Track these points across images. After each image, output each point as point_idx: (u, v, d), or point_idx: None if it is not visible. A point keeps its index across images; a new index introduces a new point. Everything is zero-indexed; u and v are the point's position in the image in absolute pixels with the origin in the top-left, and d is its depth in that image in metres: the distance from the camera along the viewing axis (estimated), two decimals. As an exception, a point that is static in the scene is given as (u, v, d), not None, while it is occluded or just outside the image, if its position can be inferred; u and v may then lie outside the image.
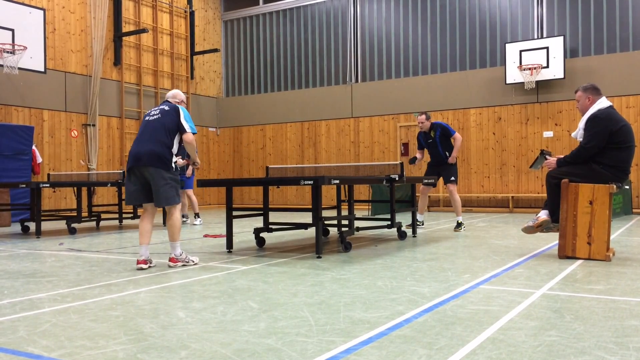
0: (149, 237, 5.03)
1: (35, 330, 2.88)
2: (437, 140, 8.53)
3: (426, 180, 8.04)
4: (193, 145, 5.13)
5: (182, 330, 2.84)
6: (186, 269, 4.88)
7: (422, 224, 8.95)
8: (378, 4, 15.01)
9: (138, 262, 4.93)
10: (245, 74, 17.23)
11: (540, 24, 13.11)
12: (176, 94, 5.36)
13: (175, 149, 5.02)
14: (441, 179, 8.70)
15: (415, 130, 14.28)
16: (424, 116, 8.66)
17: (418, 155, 8.85)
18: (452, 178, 8.50)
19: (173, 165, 4.98)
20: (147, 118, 5.11)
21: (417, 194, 8.45)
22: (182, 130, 5.02)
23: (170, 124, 4.99)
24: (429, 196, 13.87)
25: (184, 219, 10.60)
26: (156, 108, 5.18)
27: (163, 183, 4.90)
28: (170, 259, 4.97)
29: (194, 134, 5.11)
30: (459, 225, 8.32)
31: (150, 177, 4.91)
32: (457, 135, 8.57)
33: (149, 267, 4.98)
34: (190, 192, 10.43)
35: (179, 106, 5.15)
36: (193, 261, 5.07)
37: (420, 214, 8.84)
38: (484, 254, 5.61)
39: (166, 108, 5.09)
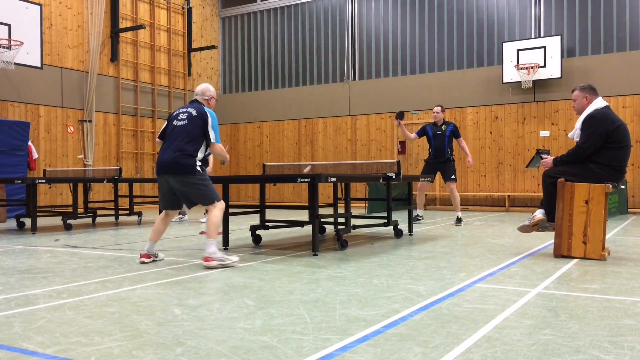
0: (159, 236, 5.09)
1: (30, 327, 2.88)
2: (447, 135, 8.83)
3: (423, 179, 8.11)
4: (222, 156, 5.02)
5: (177, 327, 2.84)
6: (181, 265, 4.87)
7: (422, 219, 9.27)
8: (376, 2, 14.99)
9: (141, 256, 5.02)
10: (243, 71, 17.20)
11: (538, 24, 13.12)
12: (205, 90, 5.14)
13: (200, 156, 4.91)
14: (439, 175, 8.99)
15: (412, 129, 14.28)
16: (439, 107, 9.01)
17: (412, 135, 9.05)
18: (453, 177, 8.89)
19: (198, 168, 4.86)
20: (174, 122, 4.96)
21: (413, 192, 8.57)
22: (208, 140, 4.89)
23: (196, 132, 4.85)
24: (425, 194, 13.88)
25: (181, 216, 10.62)
26: (184, 110, 4.99)
27: (193, 188, 4.83)
28: (204, 258, 4.77)
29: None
30: (459, 220, 8.79)
31: (176, 184, 4.87)
32: (463, 141, 9.12)
33: (153, 260, 5.05)
34: None
35: (209, 111, 4.97)
36: (230, 260, 4.79)
37: (420, 210, 9.27)
38: (480, 252, 5.62)
39: (194, 113, 4.90)
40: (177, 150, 4.82)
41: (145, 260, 5.00)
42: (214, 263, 4.73)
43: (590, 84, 5.44)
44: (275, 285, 3.94)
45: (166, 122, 5.11)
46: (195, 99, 5.13)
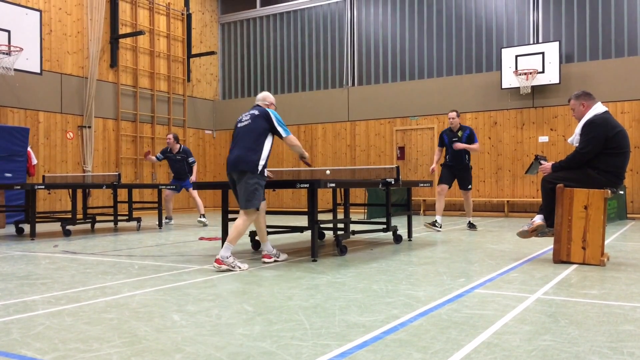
0: (265, 234, 5.43)
1: (29, 333, 2.87)
2: (463, 141, 8.70)
3: (422, 185, 8.07)
4: (296, 145, 5.30)
5: (176, 334, 2.84)
6: (180, 271, 4.86)
7: (440, 227, 8.73)
8: (375, 8, 15.05)
9: (263, 256, 5.37)
10: (242, 77, 17.23)
11: (536, 29, 13.17)
12: (266, 97, 5.43)
13: (264, 154, 5.08)
14: (455, 182, 8.94)
15: (411, 134, 14.32)
16: (455, 113, 8.83)
17: (436, 157, 9.01)
18: (469, 187, 8.86)
19: (259, 168, 5.04)
20: (238, 125, 5.26)
21: (413, 197, 8.55)
22: (279, 136, 5.16)
23: (258, 128, 5.09)
24: (424, 200, 13.89)
25: (167, 221, 10.64)
26: (247, 113, 5.28)
27: (245, 186, 5.03)
28: (216, 260, 4.87)
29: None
30: (473, 225, 8.93)
31: (236, 180, 5.10)
32: (478, 144, 8.88)
33: (275, 261, 5.35)
34: (194, 192, 10.55)
35: (270, 110, 5.21)
36: (240, 267, 4.89)
37: (438, 216, 8.83)
38: (480, 258, 5.62)
39: (256, 113, 5.19)
40: (242, 148, 5.08)
41: (267, 260, 5.30)
42: (223, 267, 4.83)
43: (585, 90, 5.45)
44: (274, 291, 3.93)
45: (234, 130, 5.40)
46: (257, 104, 5.37)
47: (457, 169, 8.81)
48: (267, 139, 5.14)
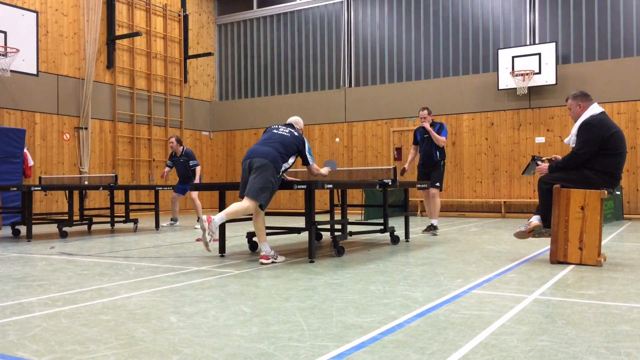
0: (264, 233, 5.47)
1: (26, 335, 2.86)
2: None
3: (419, 186, 8.05)
4: (318, 174, 5.87)
5: (173, 335, 2.83)
6: (177, 273, 4.86)
7: (437, 229, 8.48)
8: (372, 9, 15.07)
9: (261, 257, 5.37)
10: (239, 78, 17.23)
11: (533, 31, 13.20)
12: (298, 121, 5.94)
13: (287, 165, 5.45)
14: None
15: (408, 135, 14.32)
16: (426, 111, 8.55)
17: (410, 156, 8.83)
18: (437, 184, 8.42)
19: (281, 171, 5.36)
20: (273, 130, 5.63)
21: (410, 198, 8.48)
22: (306, 162, 5.71)
23: (292, 144, 5.51)
24: (422, 201, 13.89)
25: (172, 222, 10.61)
26: (285, 126, 5.69)
27: (262, 178, 5.20)
28: (207, 217, 4.96)
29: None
30: (432, 228, 8.34)
31: (254, 168, 5.25)
32: (445, 138, 8.46)
33: (272, 262, 5.32)
34: (194, 195, 10.43)
35: (304, 138, 5.69)
36: (209, 247, 4.91)
37: (434, 220, 8.53)
38: (477, 258, 5.62)
39: (295, 133, 5.63)
40: (274, 149, 5.37)
41: (264, 261, 5.30)
42: (206, 227, 4.90)
43: (582, 90, 5.47)
44: (271, 292, 3.93)
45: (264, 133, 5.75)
46: (292, 124, 5.81)
47: (428, 166, 8.54)
48: (292, 157, 5.56)
